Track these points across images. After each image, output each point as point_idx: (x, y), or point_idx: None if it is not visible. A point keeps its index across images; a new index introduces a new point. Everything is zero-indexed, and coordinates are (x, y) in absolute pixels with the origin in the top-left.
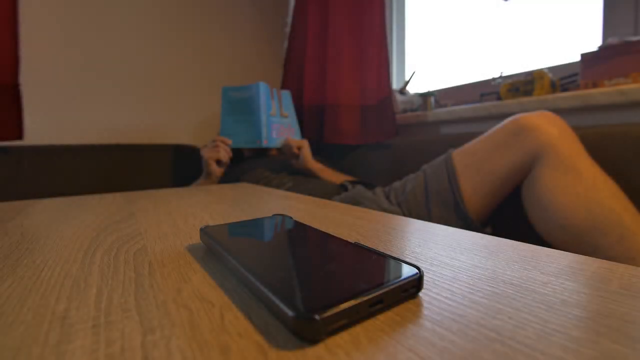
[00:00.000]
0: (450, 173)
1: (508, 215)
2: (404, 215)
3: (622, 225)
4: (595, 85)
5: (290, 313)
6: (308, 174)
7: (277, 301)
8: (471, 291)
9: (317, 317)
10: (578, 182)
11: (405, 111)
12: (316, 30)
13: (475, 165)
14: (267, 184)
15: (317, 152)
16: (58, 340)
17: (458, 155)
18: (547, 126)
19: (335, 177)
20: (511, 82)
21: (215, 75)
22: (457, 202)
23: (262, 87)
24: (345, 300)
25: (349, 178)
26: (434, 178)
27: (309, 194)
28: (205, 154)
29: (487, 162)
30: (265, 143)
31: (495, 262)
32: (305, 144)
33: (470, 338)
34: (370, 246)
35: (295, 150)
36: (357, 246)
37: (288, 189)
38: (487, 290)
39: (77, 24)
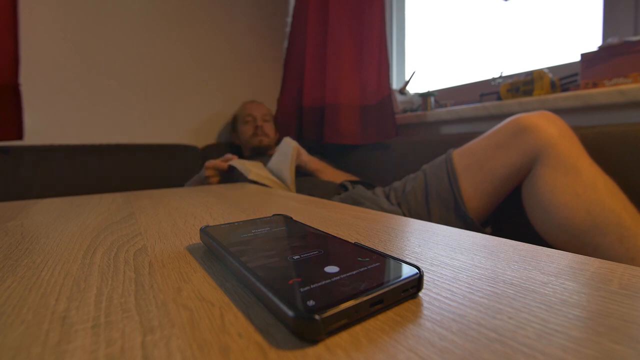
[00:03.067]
0: (451, 173)
1: (508, 215)
2: (404, 215)
3: (622, 225)
4: (595, 85)
5: (290, 313)
6: (308, 173)
7: (277, 301)
8: (471, 291)
9: (317, 317)
10: (578, 182)
11: (405, 111)
12: (316, 30)
13: (475, 165)
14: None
15: (317, 152)
16: (58, 340)
17: (458, 155)
18: (548, 126)
19: (335, 176)
20: (511, 82)
21: (215, 76)
22: (457, 202)
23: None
24: (345, 300)
25: (349, 177)
26: (434, 178)
27: (309, 194)
28: (211, 165)
29: (487, 161)
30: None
31: (495, 262)
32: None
33: (470, 338)
34: (370, 246)
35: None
36: (357, 246)
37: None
38: (487, 290)
39: (77, 24)
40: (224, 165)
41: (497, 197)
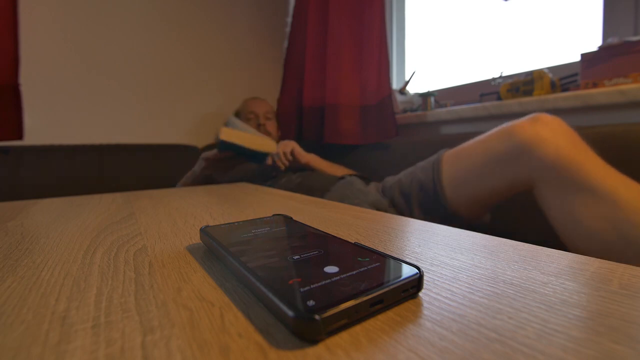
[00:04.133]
0: (436, 177)
1: (501, 208)
2: (391, 205)
3: None
4: (595, 85)
5: (290, 313)
6: (309, 169)
7: (277, 301)
8: (471, 291)
9: (317, 317)
10: (596, 202)
11: (405, 111)
12: (316, 30)
13: (463, 176)
14: (273, 184)
15: (317, 153)
16: (58, 340)
17: (449, 159)
18: (545, 143)
19: (333, 169)
20: (511, 82)
21: (215, 76)
22: (441, 205)
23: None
24: (345, 300)
25: (347, 171)
26: (416, 182)
27: (309, 189)
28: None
29: (477, 175)
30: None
31: (495, 262)
32: (291, 145)
33: (470, 338)
34: (370, 246)
35: (289, 157)
36: (357, 246)
37: (298, 185)
38: (487, 290)
39: (77, 24)
40: (216, 152)
41: (486, 206)
